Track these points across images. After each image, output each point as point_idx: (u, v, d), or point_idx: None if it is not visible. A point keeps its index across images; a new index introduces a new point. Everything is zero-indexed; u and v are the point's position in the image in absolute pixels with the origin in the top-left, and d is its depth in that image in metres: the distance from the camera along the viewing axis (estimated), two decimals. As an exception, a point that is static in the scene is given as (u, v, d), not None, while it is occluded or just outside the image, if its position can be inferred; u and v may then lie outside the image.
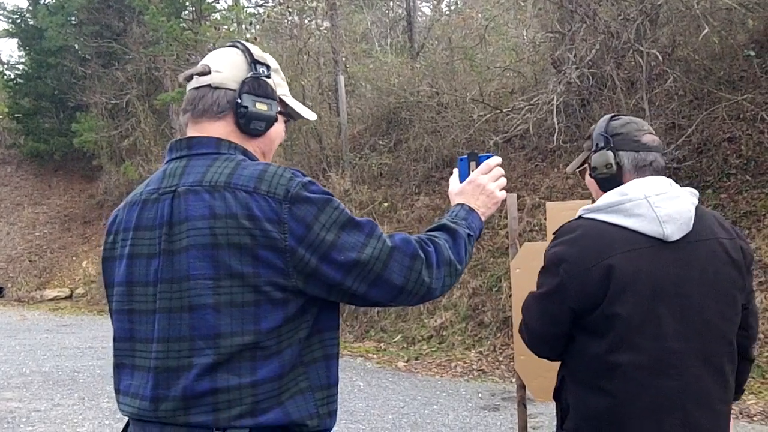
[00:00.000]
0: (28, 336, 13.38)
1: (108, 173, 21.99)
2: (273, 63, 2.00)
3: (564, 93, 10.70)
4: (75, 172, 24.37)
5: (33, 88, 24.25)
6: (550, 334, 2.34)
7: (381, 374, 9.22)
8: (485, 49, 15.31)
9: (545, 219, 5.27)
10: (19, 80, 25.56)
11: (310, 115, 2.10)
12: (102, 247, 1.98)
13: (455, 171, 2.24)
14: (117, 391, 1.90)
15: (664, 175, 2.36)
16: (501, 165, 2.22)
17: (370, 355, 10.40)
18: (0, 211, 23.02)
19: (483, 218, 2.10)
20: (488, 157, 2.19)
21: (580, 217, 2.36)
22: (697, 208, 2.29)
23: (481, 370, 9.03)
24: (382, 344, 10.90)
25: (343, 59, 17.34)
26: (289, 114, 2.06)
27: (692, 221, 2.24)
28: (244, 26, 21.87)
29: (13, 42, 34.34)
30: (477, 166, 2.19)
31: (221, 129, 1.88)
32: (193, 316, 1.70)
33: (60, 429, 6.92)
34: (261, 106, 1.89)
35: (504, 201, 2.38)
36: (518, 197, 6.01)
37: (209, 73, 1.90)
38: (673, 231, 2.21)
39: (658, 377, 2.20)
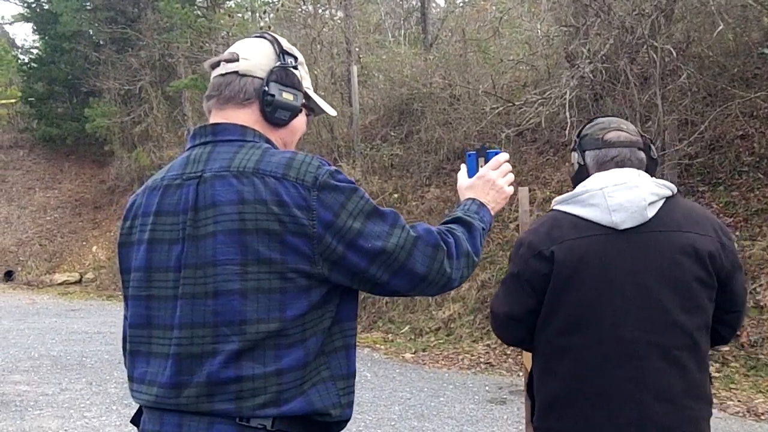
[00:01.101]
0: (37, 320, 13.46)
1: (120, 159, 22.05)
2: (300, 56, 2.01)
3: (577, 87, 10.65)
4: (87, 157, 24.45)
5: (47, 73, 24.32)
6: (510, 318, 2.42)
7: (388, 365, 9.23)
8: (499, 41, 15.27)
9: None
10: (33, 64, 25.64)
11: (331, 111, 2.11)
12: (118, 232, 1.96)
13: (463, 166, 2.26)
14: (131, 378, 1.87)
15: (638, 168, 2.41)
16: (510, 159, 2.24)
17: (377, 345, 10.42)
18: (11, 194, 23.13)
19: (492, 213, 2.13)
20: (496, 153, 2.21)
21: (551, 209, 2.48)
22: (671, 201, 2.33)
23: (488, 363, 9.03)
24: (389, 335, 10.92)
25: (357, 49, 17.32)
26: (312, 108, 2.06)
27: (647, 210, 2.27)
28: (258, 15, 21.90)
29: (28, 26, 34.47)
30: (485, 161, 2.21)
31: (246, 117, 1.88)
32: (218, 302, 1.69)
33: (67, 413, 6.96)
34: (287, 96, 1.89)
35: (514, 195, 2.42)
36: (529, 191, 6.00)
37: (237, 60, 1.89)
38: (623, 219, 2.26)
39: (609, 364, 2.23)
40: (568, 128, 10.09)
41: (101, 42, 23.23)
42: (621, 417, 2.21)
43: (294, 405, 1.71)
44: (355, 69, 15.65)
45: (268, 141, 1.88)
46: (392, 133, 15.05)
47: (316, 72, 16.56)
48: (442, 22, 18.86)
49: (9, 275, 20.59)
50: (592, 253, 2.27)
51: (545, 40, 13.61)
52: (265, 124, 1.89)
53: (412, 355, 9.71)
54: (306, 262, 1.71)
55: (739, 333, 7.80)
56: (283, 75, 1.90)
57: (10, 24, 31.21)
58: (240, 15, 21.53)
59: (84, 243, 21.22)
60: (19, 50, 28.97)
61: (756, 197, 9.11)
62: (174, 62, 21.18)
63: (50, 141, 24.32)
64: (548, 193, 10.93)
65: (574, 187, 2.49)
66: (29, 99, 25.01)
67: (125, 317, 1.94)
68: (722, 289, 2.32)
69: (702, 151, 9.86)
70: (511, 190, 2.19)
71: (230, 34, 19.36)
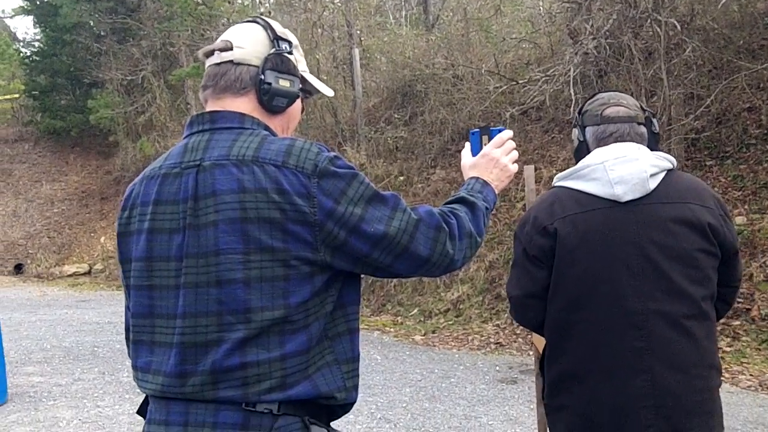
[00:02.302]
0: (48, 312, 13.51)
1: (124, 149, 22.07)
2: (294, 39, 1.99)
3: (581, 64, 10.59)
4: (92, 148, 24.48)
5: (49, 65, 24.33)
6: (527, 296, 2.42)
7: (398, 348, 9.24)
8: (501, 20, 15.18)
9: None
10: (35, 57, 25.66)
11: (328, 91, 2.09)
12: (117, 222, 1.94)
13: (467, 144, 2.25)
14: (135, 367, 1.87)
15: (638, 142, 2.42)
16: (515, 138, 2.23)
17: (387, 328, 10.43)
18: (18, 188, 23.18)
19: (496, 191, 2.12)
20: (500, 131, 2.19)
21: (553, 186, 2.49)
22: (670, 173, 2.34)
23: (498, 343, 9.03)
24: (399, 318, 10.93)
25: (358, 32, 17.25)
26: (308, 90, 2.06)
27: (648, 183, 2.28)
28: (258, 0, 21.80)
29: (29, 19, 34.42)
30: (489, 139, 2.20)
31: (244, 105, 1.87)
32: (222, 291, 1.69)
33: (81, 403, 6.99)
34: (284, 83, 1.88)
35: (519, 173, 2.42)
36: (535, 169, 5.96)
37: (231, 48, 1.88)
38: (625, 191, 2.28)
39: (617, 337, 2.24)
40: (572, 106, 10.04)
41: (102, 33, 23.19)
42: (633, 388, 2.22)
43: (299, 389, 1.71)
44: (357, 52, 15.59)
45: (266, 128, 1.88)
46: (396, 116, 15.01)
47: (317, 56, 16.51)
48: (444, 2, 18.75)
49: (19, 268, 20.68)
50: (596, 227, 2.28)
51: (548, 17, 13.53)
52: (263, 111, 1.88)
53: (422, 337, 9.72)
54: (308, 249, 1.71)
55: (750, 307, 7.78)
56: (279, 62, 1.89)
57: (11, 17, 31.16)
58: (240, 1, 21.45)
59: (92, 234, 21.28)
60: (21, 43, 28.98)
61: (764, 170, 9.06)
62: (175, 51, 21.14)
63: (55, 133, 24.36)
64: (554, 171, 10.89)
65: (576, 159, 2.50)
66: (32, 92, 25.04)
67: (127, 307, 1.94)
68: (723, 261, 2.34)
69: (709, 124, 9.81)
70: (515, 167, 2.18)
71: (230, 20, 19.29)
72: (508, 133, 2.19)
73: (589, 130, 2.48)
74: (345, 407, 1.84)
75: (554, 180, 2.49)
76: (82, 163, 24.25)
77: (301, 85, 1.96)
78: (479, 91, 13.07)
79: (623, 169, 2.28)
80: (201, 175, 1.75)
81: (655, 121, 2.50)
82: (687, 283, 2.25)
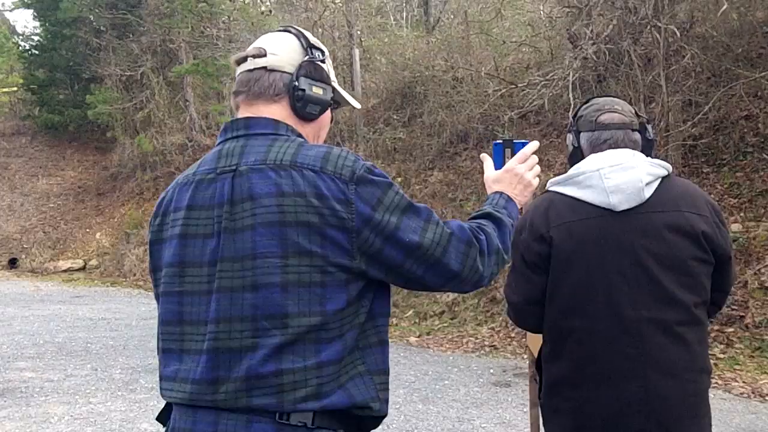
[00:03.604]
0: (41, 307, 13.49)
1: (122, 145, 22.04)
2: (325, 49, 1.99)
3: (580, 69, 10.60)
4: (89, 143, 24.46)
5: (48, 60, 24.30)
6: (527, 303, 2.43)
7: (392, 349, 9.17)
8: (501, 23, 15.19)
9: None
10: (34, 51, 25.62)
11: (356, 104, 2.10)
12: (149, 230, 1.93)
13: (487, 157, 2.22)
14: (161, 377, 1.82)
15: (633, 148, 2.42)
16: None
17: (381, 329, 10.41)
18: (14, 182, 23.14)
19: (519, 206, 2.11)
20: (524, 145, 2.16)
21: (547, 190, 2.47)
22: (665, 180, 2.35)
23: (492, 345, 9.03)
24: (393, 319, 10.92)
25: (358, 33, 17.26)
26: (337, 101, 2.05)
27: (644, 192, 2.29)
28: (258, -1, 21.79)
29: (28, 13, 34.37)
30: (512, 152, 2.17)
31: (277, 111, 1.86)
32: (258, 296, 1.67)
33: (73, 399, 6.97)
34: (317, 90, 1.88)
35: None
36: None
37: (265, 55, 1.87)
38: (621, 200, 2.28)
39: (612, 344, 2.26)
40: (571, 110, 10.03)
41: (102, 28, 23.16)
42: (627, 393, 2.24)
43: (335, 398, 1.69)
44: (357, 52, 15.59)
45: (299, 135, 1.87)
46: (395, 117, 15.01)
47: (317, 56, 16.48)
48: (444, 4, 18.76)
49: (13, 263, 20.64)
50: (591, 235, 2.29)
51: (548, 22, 13.54)
52: (295, 118, 1.88)
53: (417, 339, 9.71)
54: (345, 256, 1.69)
55: (744, 314, 7.78)
56: (312, 69, 1.88)
57: (11, 11, 31.09)
58: (241, -1, 21.44)
59: (88, 230, 21.24)
60: (20, 37, 28.87)
61: (760, 178, 9.07)
62: (175, 47, 21.12)
63: (52, 128, 24.33)
64: (552, 176, 10.88)
65: (570, 166, 2.50)
66: (31, 86, 25.01)
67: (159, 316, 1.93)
68: (716, 267, 2.36)
69: (706, 131, 9.82)
70: (537, 182, 2.15)
71: (231, 18, 19.29)
72: (532, 147, 2.16)
73: (583, 136, 2.48)
74: (377, 420, 1.82)
75: (548, 184, 2.48)
76: (79, 159, 24.22)
77: (332, 94, 1.96)
78: (478, 93, 13.08)
79: (619, 178, 2.28)
80: (237, 179, 1.74)
81: (649, 127, 2.51)
82: (680, 291, 2.27)
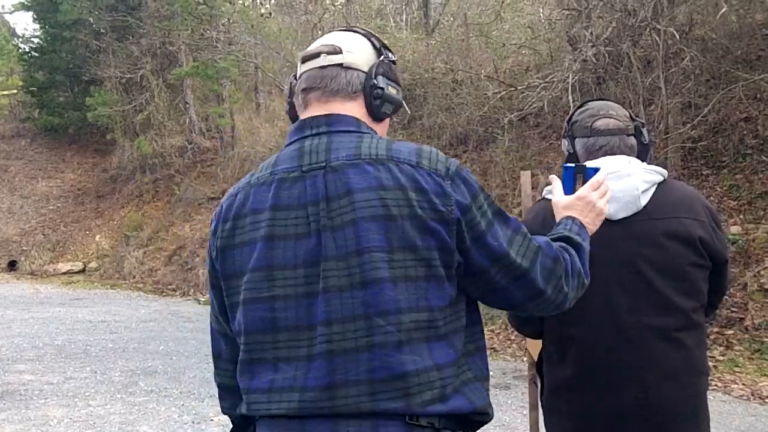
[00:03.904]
0: (41, 309, 13.48)
1: (122, 147, 22.03)
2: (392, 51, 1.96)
3: (579, 71, 10.60)
4: (89, 146, 24.46)
5: (48, 62, 24.31)
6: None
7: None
8: (501, 25, 15.20)
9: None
10: (33, 54, 25.62)
11: (407, 109, 2.10)
12: (215, 236, 1.82)
13: (556, 179, 2.18)
14: (249, 390, 1.72)
15: (629, 154, 2.41)
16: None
17: (381, 332, 10.42)
18: (14, 184, 23.14)
19: (589, 234, 2.05)
20: (595, 171, 2.12)
21: (543, 198, 2.45)
22: (663, 186, 2.34)
23: (492, 348, 9.03)
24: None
25: (358, 35, 17.24)
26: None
27: (640, 200, 2.28)
28: (259, 1, 21.81)
29: (28, 15, 34.38)
30: (584, 178, 2.12)
31: (353, 109, 1.81)
32: (368, 293, 1.61)
33: (72, 402, 6.96)
34: (392, 90, 1.84)
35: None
36: (532, 175, 5.96)
37: (340, 52, 1.81)
38: (617, 210, 2.28)
39: (612, 351, 2.26)
40: (570, 112, 10.05)
41: (102, 30, 23.16)
42: (628, 399, 2.25)
43: (457, 402, 1.65)
44: (356, 55, 15.58)
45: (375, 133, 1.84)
46: (394, 119, 15.01)
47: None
48: (444, 7, 18.77)
49: (12, 265, 20.63)
50: (593, 244, 2.26)
51: (547, 24, 13.54)
52: (368, 117, 1.83)
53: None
54: (446, 250, 1.65)
55: (743, 317, 7.78)
56: (388, 69, 1.85)
57: (11, 13, 31.17)
58: (241, 1, 21.45)
59: (87, 232, 21.23)
60: (20, 39, 28.89)
61: (760, 180, 9.07)
62: (175, 50, 21.11)
63: (52, 130, 24.33)
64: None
65: None
66: (30, 88, 25.03)
67: (221, 322, 1.87)
68: (713, 270, 2.37)
69: (706, 134, 9.82)
70: (607, 210, 2.11)
71: (231, 21, 19.29)
72: (603, 174, 2.12)
73: (579, 142, 2.46)
74: (483, 425, 1.77)
75: (544, 192, 2.45)
76: (78, 161, 24.22)
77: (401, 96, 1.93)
78: (478, 96, 13.07)
79: (615, 186, 2.26)
80: (330, 175, 1.68)
81: (644, 131, 2.50)
82: (678, 297, 2.28)
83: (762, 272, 8.07)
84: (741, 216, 8.77)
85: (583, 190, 2.08)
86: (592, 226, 2.04)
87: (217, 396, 2.00)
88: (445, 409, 1.62)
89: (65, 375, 8.07)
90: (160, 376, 7.98)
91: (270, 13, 20.91)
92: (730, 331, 7.73)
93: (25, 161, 24.08)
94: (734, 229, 8.54)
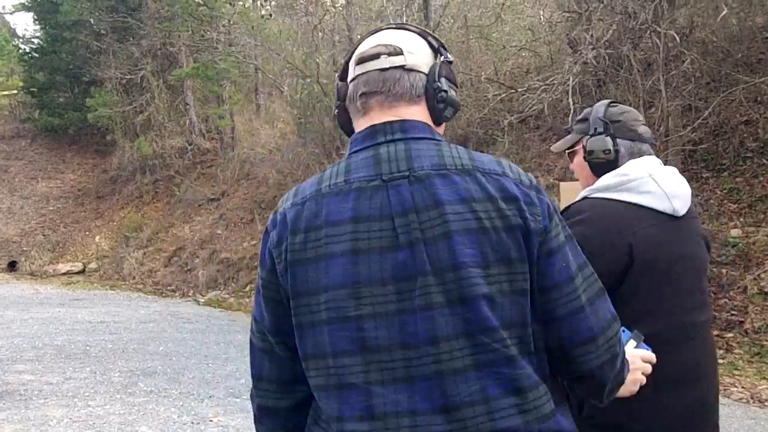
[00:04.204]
0: (40, 310, 13.48)
1: (122, 148, 22.04)
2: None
3: (580, 73, 10.60)
4: (89, 146, 24.47)
5: (48, 63, 24.33)
6: None
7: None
8: (501, 28, 15.20)
9: (558, 199, 5.26)
10: (34, 54, 25.63)
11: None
12: (281, 250, 1.64)
13: None
14: (339, 419, 1.57)
15: None
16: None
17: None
18: (14, 185, 23.14)
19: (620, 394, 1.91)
20: (648, 349, 2.02)
21: (585, 198, 2.37)
22: None
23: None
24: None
25: (358, 37, 17.20)
26: None
27: (690, 197, 2.34)
28: (259, 2, 21.81)
29: (29, 16, 34.38)
30: (636, 343, 2.04)
31: (418, 114, 1.70)
32: (468, 309, 1.52)
33: (72, 402, 6.96)
34: (453, 93, 1.75)
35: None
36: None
37: (402, 53, 1.70)
38: (681, 206, 2.29)
39: (678, 349, 2.24)
40: (571, 114, 10.05)
41: (102, 31, 23.18)
42: (689, 397, 2.27)
43: (563, 422, 1.60)
44: (357, 57, 15.57)
45: None
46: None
47: (317, 60, 16.50)
48: (444, 9, 18.73)
49: (12, 265, 20.63)
50: (662, 241, 2.25)
51: (548, 26, 13.55)
52: (430, 122, 1.73)
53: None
54: (531, 262, 1.58)
55: (743, 320, 7.78)
56: (449, 70, 1.76)
57: (11, 14, 31.21)
58: (241, 3, 21.45)
59: (87, 233, 21.23)
60: (20, 40, 28.92)
61: (760, 183, 9.07)
62: (175, 51, 21.13)
63: (52, 131, 24.34)
64: (551, 180, 10.90)
65: (595, 172, 2.41)
66: (31, 89, 25.04)
67: (268, 340, 1.72)
68: None
69: (706, 137, 9.82)
70: (636, 388, 1.93)
71: (231, 22, 19.30)
72: (652, 357, 1.99)
73: (623, 143, 2.38)
74: None
75: (587, 192, 2.39)
76: (78, 162, 24.22)
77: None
78: (478, 98, 13.08)
79: (674, 183, 2.28)
80: (416, 185, 1.58)
81: None
82: (706, 294, 2.39)
83: (762, 275, 8.07)
84: (741, 219, 8.77)
85: (636, 351, 1.96)
86: (624, 390, 1.85)
87: (254, 419, 1.86)
88: (556, 427, 1.57)
89: (65, 375, 8.07)
90: (160, 377, 7.98)
91: (270, 15, 20.90)
92: (730, 334, 7.73)
93: (26, 162, 24.08)
94: (734, 232, 8.54)
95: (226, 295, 14.69)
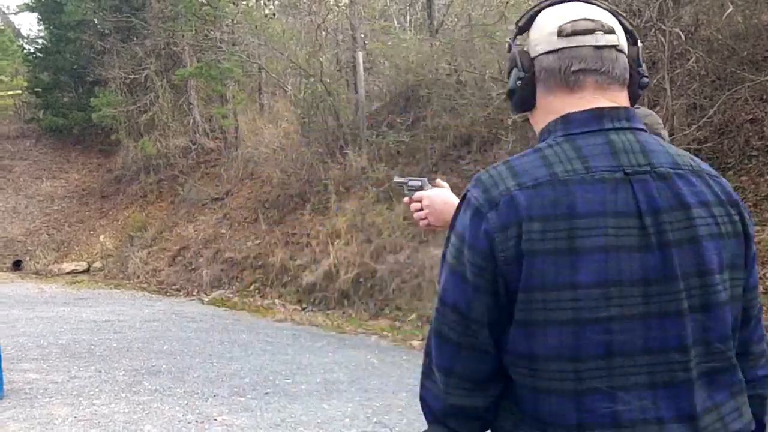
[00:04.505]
0: (45, 309, 13.48)
1: (126, 148, 22.04)
2: None
3: (584, 72, 10.59)
4: (93, 146, 24.48)
5: (52, 63, 24.36)
6: None
7: (395, 352, 9.22)
8: (505, 26, 15.16)
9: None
10: (38, 54, 25.68)
11: None
12: (503, 232, 1.48)
13: None
14: (582, 426, 1.47)
15: None
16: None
17: (384, 333, 10.40)
18: (19, 184, 23.17)
19: None
20: None
21: None
22: None
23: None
24: (396, 322, 10.90)
25: (362, 36, 17.26)
26: None
27: None
28: (262, 2, 21.82)
29: (33, 16, 34.42)
30: None
31: (625, 99, 1.61)
32: (708, 316, 1.50)
33: (77, 401, 6.96)
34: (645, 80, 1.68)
35: None
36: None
37: (614, 32, 1.59)
38: None
39: None
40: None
41: (106, 31, 23.19)
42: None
43: (754, 425, 1.62)
44: (360, 55, 15.59)
45: None
46: (398, 120, 15.00)
47: (321, 59, 16.51)
48: (448, 8, 18.74)
49: (17, 265, 20.64)
50: None
51: (552, 25, 13.50)
52: None
53: (420, 342, 9.69)
54: (746, 268, 1.58)
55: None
56: (640, 54, 1.68)
57: (16, 14, 31.27)
58: (245, 2, 21.47)
59: (91, 232, 21.24)
60: (25, 40, 28.99)
61: (766, 182, 9.05)
62: (179, 51, 21.14)
63: (56, 131, 24.37)
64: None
65: None
66: (35, 89, 25.07)
67: (473, 334, 1.56)
68: None
69: (711, 135, 9.80)
70: None
71: (235, 21, 19.31)
72: None
73: None
74: None
75: None
76: (83, 161, 24.25)
77: None
78: (482, 97, 13.07)
79: None
80: (659, 183, 1.50)
81: None
82: None
83: (767, 274, 8.05)
84: (746, 217, 8.74)
85: None
86: None
87: (432, 419, 1.80)
88: (753, 428, 1.61)
89: (70, 374, 8.08)
90: (164, 376, 7.98)
91: (274, 14, 20.92)
92: (736, 333, 7.72)
93: (30, 161, 24.11)
94: (739, 230, 8.53)
95: (231, 294, 14.69)
